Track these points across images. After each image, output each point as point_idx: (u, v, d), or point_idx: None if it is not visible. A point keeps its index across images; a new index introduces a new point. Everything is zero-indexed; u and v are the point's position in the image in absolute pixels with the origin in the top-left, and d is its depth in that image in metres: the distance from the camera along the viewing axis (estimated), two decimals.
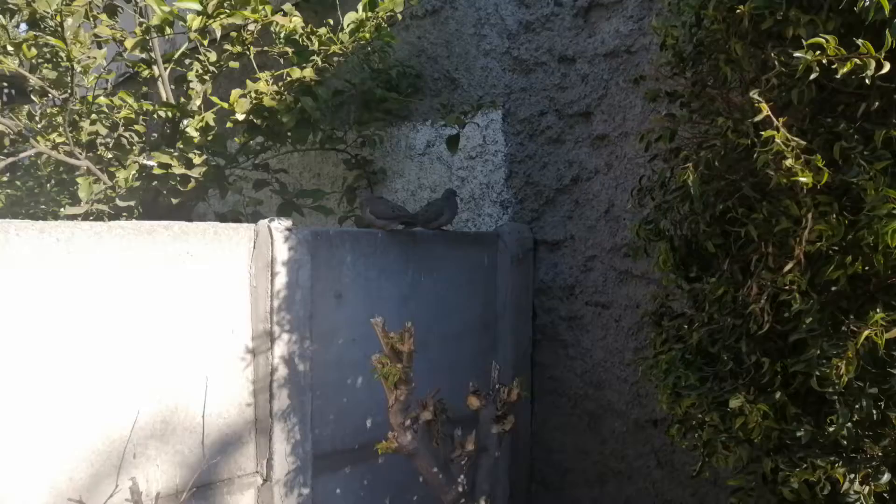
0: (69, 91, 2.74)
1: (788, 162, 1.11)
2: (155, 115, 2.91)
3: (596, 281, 2.71)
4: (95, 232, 1.76)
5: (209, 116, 2.72)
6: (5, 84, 3.13)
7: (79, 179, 2.87)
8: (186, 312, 1.91)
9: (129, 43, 2.82)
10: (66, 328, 1.70)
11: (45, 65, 3.02)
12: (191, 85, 2.86)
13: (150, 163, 2.66)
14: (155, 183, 2.73)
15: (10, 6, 2.71)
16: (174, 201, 2.79)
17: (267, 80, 2.75)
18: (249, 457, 2.09)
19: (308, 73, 2.78)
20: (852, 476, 1.17)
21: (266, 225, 2.07)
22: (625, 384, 2.61)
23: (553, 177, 2.84)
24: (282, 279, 2.07)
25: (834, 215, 1.18)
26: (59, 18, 2.53)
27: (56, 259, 1.68)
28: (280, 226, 2.08)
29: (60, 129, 2.85)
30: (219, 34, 2.73)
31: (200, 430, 1.94)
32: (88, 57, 2.85)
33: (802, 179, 1.11)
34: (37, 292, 1.65)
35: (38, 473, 1.66)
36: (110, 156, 3.09)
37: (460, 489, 1.90)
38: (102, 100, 3.04)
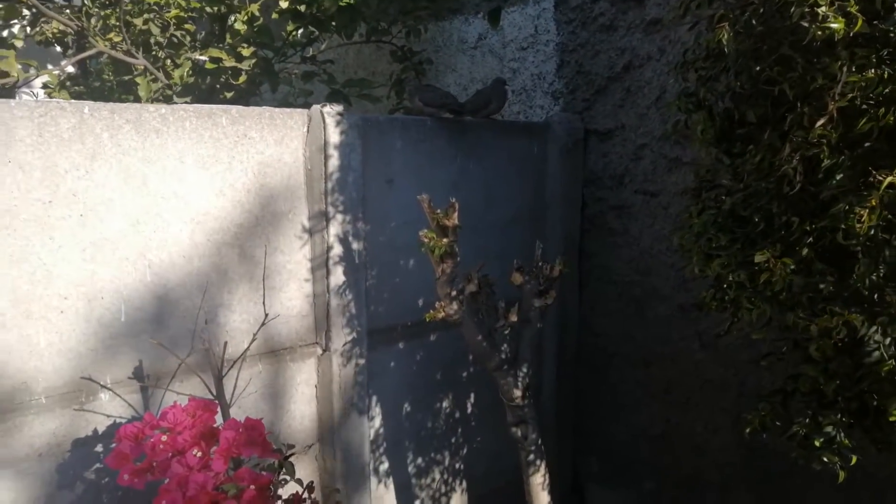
0: None
1: (822, 9, 1.10)
2: (203, 13, 2.99)
3: (646, 169, 2.72)
4: (161, 114, 1.88)
5: (254, 7, 2.79)
6: None
7: (138, 79, 3.00)
8: (248, 190, 2.04)
9: None
10: (135, 203, 1.85)
11: None
12: None
13: (202, 58, 2.76)
14: (208, 78, 2.83)
15: None
16: (228, 95, 2.90)
17: None
18: (309, 329, 2.25)
19: None
20: (872, 326, 1.21)
21: (318, 110, 2.16)
22: (671, 270, 2.66)
23: (605, 65, 2.80)
24: (334, 162, 2.17)
25: (872, 69, 1.17)
26: None
27: (126, 139, 1.81)
28: (332, 111, 2.16)
29: (116, 30, 2.96)
30: None
31: (262, 299, 2.10)
32: None
33: (834, 26, 1.10)
34: (108, 170, 1.79)
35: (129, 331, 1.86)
36: (164, 55, 3.20)
37: (503, 356, 2.02)
38: None
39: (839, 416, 1.46)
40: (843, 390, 1.45)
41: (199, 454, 1.44)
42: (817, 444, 1.43)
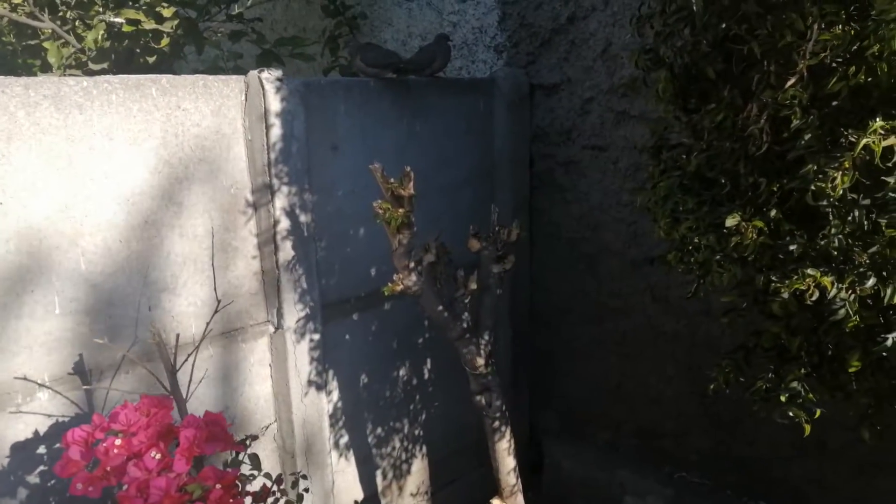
0: None
1: None
2: None
3: (593, 123, 2.68)
4: (83, 87, 1.72)
5: None
6: None
7: (45, 44, 2.75)
8: (185, 166, 1.90)
9: None
10: (62, 187, 1.70)
11: None
12: None
13: (118, 20, 2.55)
14: (126, 42, 2.62)
15: None
16: (149, 60, 2.69)
17: None
18: (260, 307, 2.16)
19: None
20: (840, 285, 1.22)
21: (256, 76, 2.02)
22: (621, 224, 2.66)
23: (548, 17, 2.73)
24: (276, 131, 2.05)
25: (840, 25, 1.15)
26: None
27: (45, 116, 1.65)
28: (270, 76, 2.03)
29: None
30: None
31: (211, 282, 2.00)
32: None
33: None
34: (28, 152, 1.63)
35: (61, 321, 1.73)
36: (74, 16, 2.94)
37: (464, 325, 1.99)
38: None
39: (801, 370, 1.49)
40: (806, 345, 1.47)
41: (159, 456, 1.35)
42: (783, 398, 1.46)
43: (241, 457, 1.54)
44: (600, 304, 2.81)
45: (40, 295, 1.69)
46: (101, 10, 2.84)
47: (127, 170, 1.80)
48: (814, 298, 1.20)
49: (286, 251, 2.12)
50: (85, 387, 1.72)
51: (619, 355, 2.80)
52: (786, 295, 1.25)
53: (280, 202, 2.09)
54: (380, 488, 2.63)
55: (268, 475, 1.55)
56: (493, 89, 2.75)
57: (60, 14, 2.93)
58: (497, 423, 2.08)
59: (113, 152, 1.77)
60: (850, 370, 1.45)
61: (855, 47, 1.15)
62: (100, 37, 2.64)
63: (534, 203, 2.94)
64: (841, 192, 1.15)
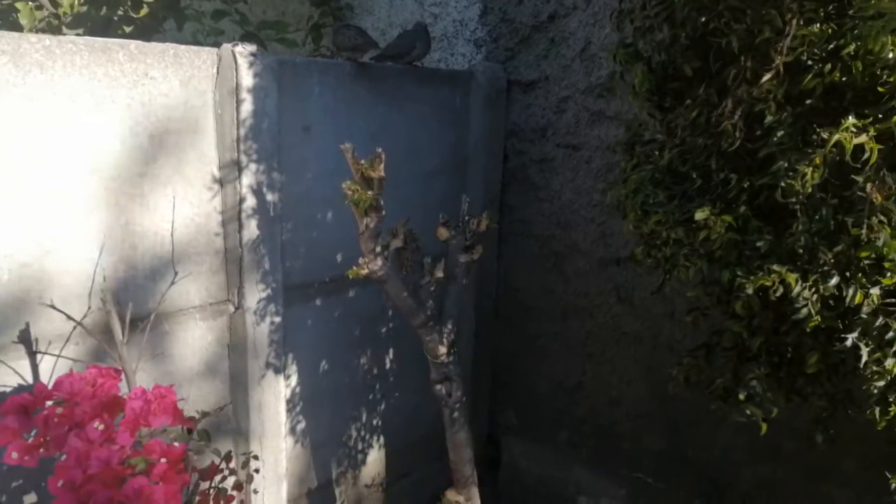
0: None
1: None
2: None
3: (568, 122, 2.68)
4: (45, 46, 1.65)
5: None
6: None
7: (18, 5, 2.66)
8: (150, 136, 1.85)
9: None
10: (16, 149, 1.63)
11: None
12: None
13: None
14: (104, 9, 2.55)
15: None
16: (127, 30, 2.62)
17: None
18: (220, 285, 2.11)
19: None
20: (804, 283, 1.23)
21: (230, 49, 1.97)
22: (591, 224, 2.66)
23: (529, 13, 2.72)
24: (247, 107, 2.00)
25: (818, 23, 1.15)
26: None
27: (2, 72, 1.58)
28: (244, 50, 1.98)
29: None
30: None
31: (170, 256, 1.94)
32: None
33: None
34: None
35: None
36: None
37: (428, 313, 1.96)
38: None
39: (760, 369, 1.50)
40: (766, 346, 1.48)
41: (102, 427, 1.30)
42: (741, 397, 1.46)
43: (193, 435, 1.49)
44: (566, 302, 2.81)
45: None
46: None
47: (89, 136, 1.73)
48: (778, 294, 1.20)
49: (251, 230, 2.07)
50: (28, 351, 1.65)
51: (581, 355, 2.80)
52: (750, 290, 1.25)
53: (247, 180, 2.04)
54: (334, 476, 2.59)
55: (216, 451, 1.50)
56: (471, 82, 2.73)
57: None
58: (456, 414, 2.06)
59: (75, 117, 1.71)
60: (809, 371, 1.46)
61: (832, 46, 1.16)
62: (76, 1, 2.56)
63: (505, 199, 2.93)
64: (810, 189, 1.15)
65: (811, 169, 1.12)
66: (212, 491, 1.47)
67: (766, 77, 1.19)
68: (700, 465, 2.53)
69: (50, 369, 1.74)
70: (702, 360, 1.66)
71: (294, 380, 2.34)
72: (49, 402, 1.36)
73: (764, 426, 1.49)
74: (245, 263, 2.08)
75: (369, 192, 1.80)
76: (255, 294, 2.12)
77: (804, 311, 1.29)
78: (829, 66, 1.14)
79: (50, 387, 1.42)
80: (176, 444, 1.37)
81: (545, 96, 2.74)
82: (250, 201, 2.05)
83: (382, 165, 1.77)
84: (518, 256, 2.93)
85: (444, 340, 1.98)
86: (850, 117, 1.12)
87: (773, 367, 1.53)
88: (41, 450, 1.28)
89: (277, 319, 2.20)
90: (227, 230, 2.07)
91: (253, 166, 2.04)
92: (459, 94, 2.70)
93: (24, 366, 1.71)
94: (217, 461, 1.52)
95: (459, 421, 2.07)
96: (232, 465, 1.54)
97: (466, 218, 2.03)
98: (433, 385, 2.06)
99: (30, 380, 1.72)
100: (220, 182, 2.03)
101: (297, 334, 2.31)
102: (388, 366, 2.68)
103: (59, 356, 1.74)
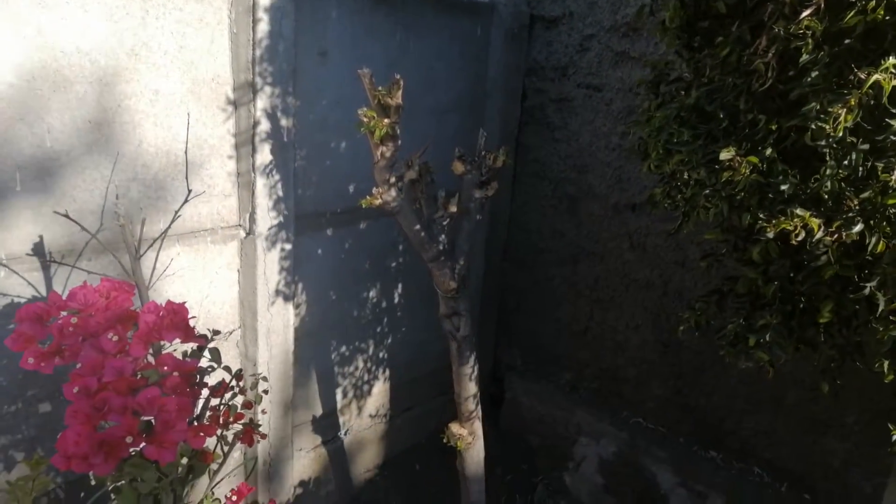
0: None
1: None
2: None
3: (591, 62, 2.62)
4: None
5: None
6: None
7: None
8: (164, 52, 1.81)
9: None
10: (29, 57, 1.60)
11: None
12: None
13: None
14: None
15: None
16: None
17: None
18: (232, 210, 2.10)
19: None
20: (827, 229, 1.20)
21: None
22: (608, 168, 2.63)
23: None
24: (264, 27, 1.95)
25: None
26: None
27: None
28: None
29: None
30: None
31: (183, 177, 1.93)
32: None
33: None
34: None
35: None
36: None
37: (441, 247, 1.95)
38: None
39: (772, 316, 1.49)
40: (780, 293, 1.47)
41: (116, 338, 1.31)
42: (752, 343, 1.46)
43: (203, 352, 1.51)
44: (577, 246, 2.80)
45: None
46: None
47: (100, 47, 1.70)
48: (799, 239, 1.18)
49: (264, 155, 2.05)
50: (42, 262, 1.66)
51: (589, 299, 2.81)
52: (771, 234, 1.23)
53: (262, 103, 2.01)
54: (339, 406, 2.63)
55: (227, 368, 1.52)
56: (493, 15, 2.65)
57: None
58: (463, 348, 2.07)
59: (88, 26, 1.67)
60: (822, 320, 1.45)
61: None
62: None
63: (521, 139, 2.89)
64: (842, 132, 1.12)
65: (845, 111, 1.09)
66: (222, 407, 1.50)
67: (806, 12, 1.14)
68: (701, 413, 2.56)
69: (63, 283, 1.75)
70: (714, 305, 1.66)
71: (303, 308, 2.36)
72: (63, 313, 1.37)
73: (771, 371, 1.50)
74: (257, 188, 2.07)
75: (385, 120, 1.76)
76: (266, 220, 2.12)
77: (823, 258, 1.28)
78: (872, 2, 1.09)
79: (64, 298, 1.43)
80: (188, 360, 1.39)
81: (568, 33, 2.66)
82: (264, 125, 2.03)
83: (400, 92, 1.73)
84: (531, 198, 2.91)
85: (455, 275, 1.98)
86: (891, 57, 1.08)
87: (784, 316, 1.52)
88: (56, 357, 1.29)
89: (288, 247, 2.20)
90: (241, 153, 2.05)
91: (268, 89, 2.01)
92: (480, 27, 2.63)
93: (37, 277, 1.72)
94: (227, 378, 1.54)
95: (466, 355, 2.08)
96: (241, 383, 1.56)
97: (483, 153, 1.99)
98: (442, 319, 2.07)
99: (43, 292, 1.73)
100: (235, 104, 2.00)
101: (308, 264, 2.32)
102: (396, 300, 2.69)
103: (73, 266, 1.75)
